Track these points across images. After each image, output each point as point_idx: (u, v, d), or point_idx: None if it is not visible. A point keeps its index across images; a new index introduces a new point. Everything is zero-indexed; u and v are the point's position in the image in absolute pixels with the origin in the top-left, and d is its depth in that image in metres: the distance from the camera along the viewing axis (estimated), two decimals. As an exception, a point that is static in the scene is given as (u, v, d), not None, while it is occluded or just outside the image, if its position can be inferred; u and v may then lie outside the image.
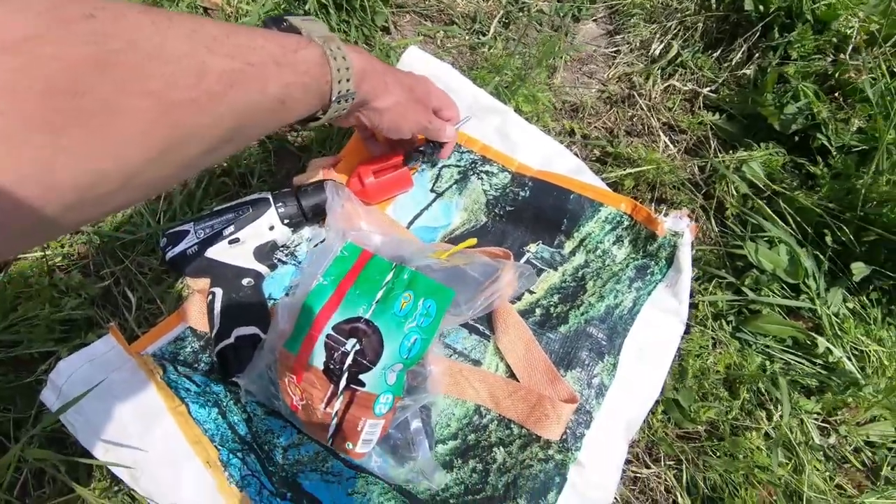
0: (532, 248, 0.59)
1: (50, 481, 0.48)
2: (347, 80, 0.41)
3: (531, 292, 0.56)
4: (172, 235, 0.55)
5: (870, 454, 0.56)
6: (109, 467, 0.45)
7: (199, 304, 0.55)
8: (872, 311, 0.60)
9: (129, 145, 0.26)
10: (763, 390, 0.57)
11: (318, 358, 0.46)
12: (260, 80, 0.32)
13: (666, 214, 0.56)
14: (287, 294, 0.58)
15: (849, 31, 0.64)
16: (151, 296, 0.58)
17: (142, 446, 0.44)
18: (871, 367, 0.58)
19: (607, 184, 0.66)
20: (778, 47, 0.74)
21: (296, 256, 0.61)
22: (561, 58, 0.81)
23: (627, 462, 0.55)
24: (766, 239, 0.63)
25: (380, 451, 0.49)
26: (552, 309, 0.55)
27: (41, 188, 0.23)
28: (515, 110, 0.69)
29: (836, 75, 0.66)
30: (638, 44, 0.84)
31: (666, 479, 0.55)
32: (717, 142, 0.74)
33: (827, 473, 0.55)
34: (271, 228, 0.57)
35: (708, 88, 0.78)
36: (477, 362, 0.54)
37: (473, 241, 0.58)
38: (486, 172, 0.63)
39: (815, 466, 0.54)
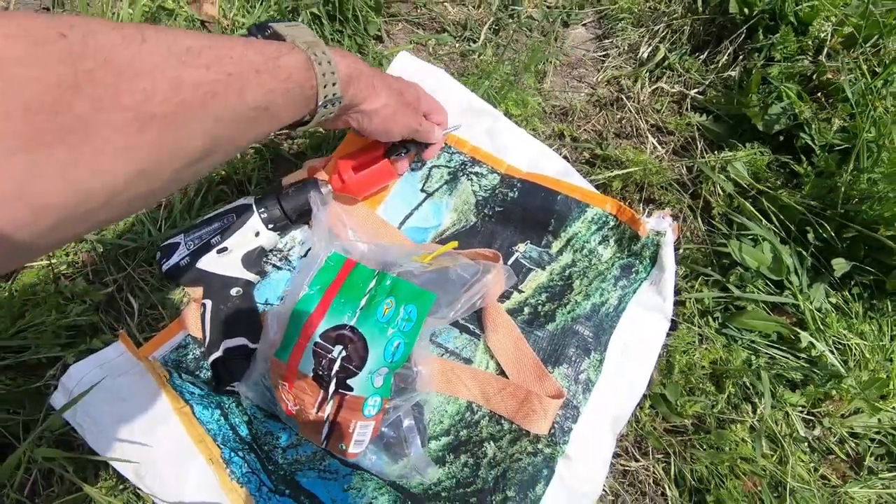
0: (521, 247, 0.61)
1: (58, 481, 0.50)
2: (333, 85, 0.41)
3: (520, 291, 0.58)
4: (166, 248, 0.57)
5: (853, 445, 0.58)
6: (115, 466, 0.47)
7: (196, 313, 0.57)
8: (854, 305, 0.62)
9: (111, 161, 0.26)
10: (748, 384, 0.59)
11: (308, 365, 0.48)
12: (240, 90, 0.32)
13: (649, 215, 0.57)
14: (277, 303, 0.60)
15: (823, 35, 0.65)
16: (153, 302, 0.60)
17: (148, 445, 0.46)
18: (853, 360, 0.59)
19: (596, 185, 0.68)
20: (762, 49, 0.75)
21: (289, 261, 0.63)
22: (550, 62, 0.83)
23: (616, 456, 0.56)
24: (750, 237, 0.64)
25: (374, 449, 0.51)
26: (540, 307, 0.57)
27: (25, 207, 0.23)
28: (505, 114, 0.71)
29: (817, 76, 0.68)
30: (626, 47, 0.85)
31: (654, 472, 0.56)
32: (704, 142, 0.76)
33: (811, 464, 0.56)
34: (257, 234, 0.58)
35: (695, 90, 0.80)
36: (468, 361, 0.56)
37: (455, 243, 0.59)
38: (476, 174, 0.65)
39: (799, 458, 0.56)
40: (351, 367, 0.47)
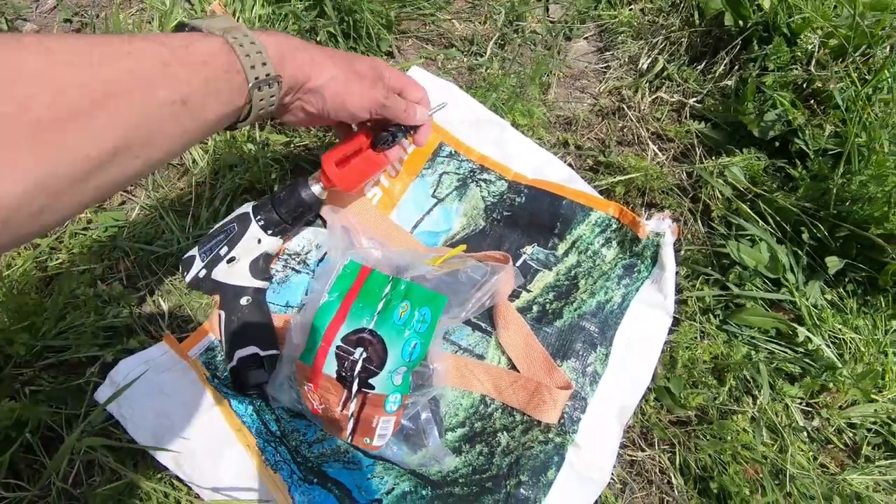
0: (528, 249, 0.64)
1: (99, 471, 0.54)
2: (264, 64, 0.39)
3: (528, 291, 0.62)
4: (185, 261, 0.60)
5: (851, 434, 0.60)
6: (155, 455, 0.51)
7: (217, 320, 0.60)
8: (848, 301, 0.64)
9: (2, 175, 0.25)
10: (749, 377, 0.61)
11: (331, 367, 0.51)
12: (144, 86, 0.30)
13: (650, 218, 0.61)
14: (298, 310, 0.63)
15: (810, 47, 0.69)
16: (182, 304, 0.64)
17: (187, 435, 0.49)
18: (848, 353, 0.62)
19: (599, 191, 0.72)
20: (757, 59, 0.79)
21: (307, 265, 0.66)
22: (554, 74, 0.86)
23: (624, 446, 0.59)
24: (748, 238, 0.67)
25: (395, 441, 0.54)
26: (548, 305, 0.60)
27: None
28: (512, 124, 0.74)
29: (809, 85, 0.71)
30: (626, 59, 0.89)
31: (660, 462, 0.59)
32: (703, 149, 0.79)
33: (811, 453, 0.59)
34: (259, 241, 0.59)
35: (693, 99, 0.83)
36: (481, 357, 0.59)
37: (464, 246, 0.62)
38: (485, 180, 0.69)
39: (798, 447, 0.58)
40: (372, 368, 0.51)
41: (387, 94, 0.52)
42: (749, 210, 0.69)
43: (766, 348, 0.63)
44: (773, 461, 0.57)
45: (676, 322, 0.64)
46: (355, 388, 0.50)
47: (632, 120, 0.82)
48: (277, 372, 0.56)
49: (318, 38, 0.79)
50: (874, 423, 0.60)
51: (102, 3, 0.92)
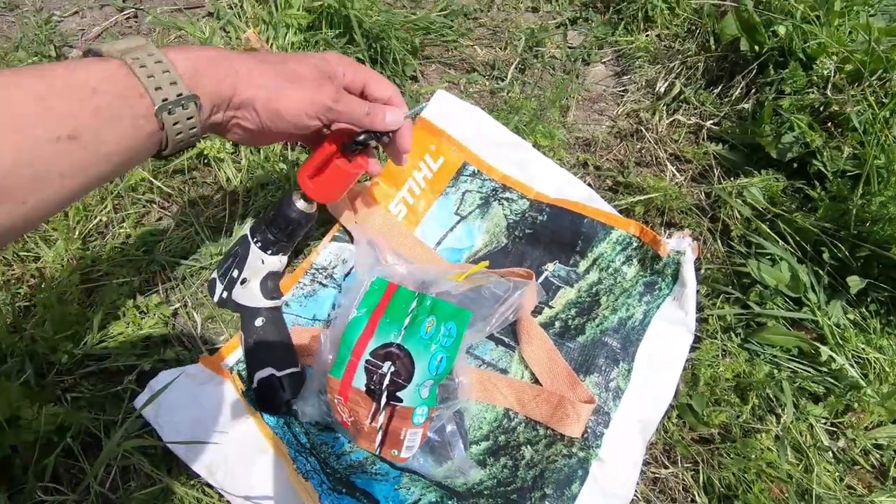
0: (550, 266, 0.66)
1: (134, 476, 0.56)
2: (173, 84, 0.35)
3: (550, 307, 0.63)
4: (209, 285, 0.63)
5: (878, 456, 0.60)
6: (188, 462, 0.53)
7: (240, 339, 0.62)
8: (872, 321, 0.64)
9: None
10: (772, 396, 0.62)
11: (360, 381, 0.52)
12: (14, 126, 0.28)
13: (670, 236, 0.62)
14: (328, 324, 0.65)
15: (826, 72, 0.70)
16: (214, 315, 0.67)
17: (221, 443, 0.51)
18: (872, 373, 0.62)
19: (619, 210, 0.73)
20: (773, 83, 0.80)
21: (334, 279, 0.68)
22: (573, 98, 0.89)
23: (647, 464, 0.59)
24: (768, 257, 0.68)
25: (421, 453, 0.55)
26: (570, 321, 0.61)
27: None
28: (534, 145, 0.77)
29: (826, 108, 0.73)
30: (644, 83, 0.92)
31: (683, 479, 0.59)
32: (721, 170, 0.81)
33: (837, 474, 0.58)
34: (263, 262, 0.60)
35: (711, 121, 0.85)
36: (504, 371, 0.60)
37: (486, 263, 0.64)
38: (507, 199, 0.71)
39: (824, 468, 0.58)
40: (400, 381, 0.52)
41: (337, 96, 0.45)
42: (768, 230, 0.70)
43: (789, 367, 0.63)
44: (798, 481, 0.57)
45: (698, 340, 0.64)
46: (384, 400, 0.52)
47: (650, 141, 0.84)
48: (307, 386, 0.58)
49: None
50: (901, 444, 0.60)
51: (143, 30, 0.97)
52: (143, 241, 0.70)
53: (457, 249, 0.70)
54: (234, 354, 0.62)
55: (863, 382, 0.59)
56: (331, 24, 0.84)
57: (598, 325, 0.60)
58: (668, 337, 0.60)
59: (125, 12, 0.98)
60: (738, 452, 0.58)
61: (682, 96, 0.87)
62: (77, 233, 0.69)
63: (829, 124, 0.75)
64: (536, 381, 0.59)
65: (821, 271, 0.65)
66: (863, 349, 0.63)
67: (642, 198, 0.75)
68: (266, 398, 0.58)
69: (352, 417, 0.53)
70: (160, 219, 0.74)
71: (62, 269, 0.66)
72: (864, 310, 0.65)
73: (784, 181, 0.74)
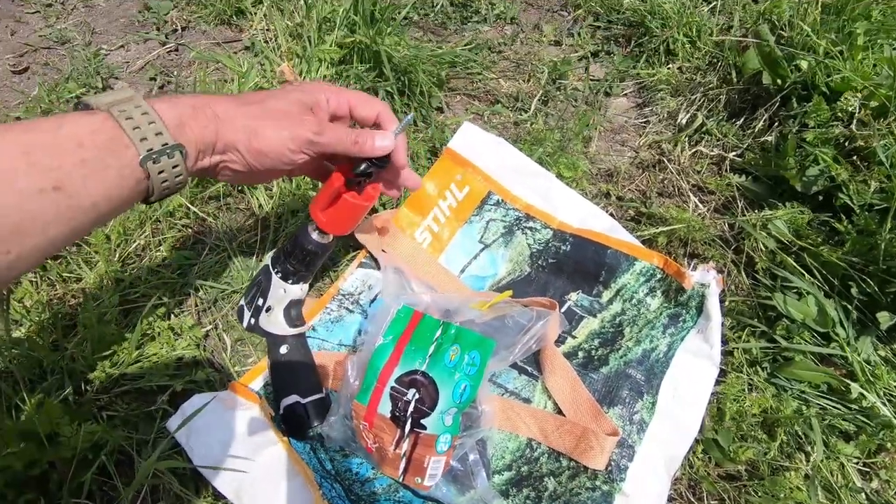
0: (573, 296, 0.66)
1: (164, 495, 0.57)
2: (158, 134, 0.36)
3: (573, 337, 0.63)
4: (238, 311, 0.65)
5: (914, 499, 0.58)
6: (216, 485, 0.54)
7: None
8: (904, 358, 0.63)
9: None
10: (800, 433, 0.60)
11: (385, 407, 0.53)
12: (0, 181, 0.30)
13: (694, 268, 0.62)
14: (354, 350, 0.66)
15: (850, 108, 0.71)
16: (244, 338, 0.69)
17: (249, 468, 0.52)
18: (906, 412, 0.60)
19: (642, 241, 0.74)
20: (796, 116, 0.81)
21: (360, 305, 0.70)
22: (595, 129, 0.91)
23: (671, 499, 0.58)
24: (794, 290, 0.67)
25: (444, 482, 0.55)
26: (593, 352, 0.62)
27: None
28: (557, 176, 0.78)
29: (850, 142, 0.73)
30: (665, 115, 0.93)
31: (709, 517, 0.58)
32: (745, 202, 0.81)
33: (870, 517, 0.57)
34: (284, 291, 0.61)
35: (733, 153, 0.86)
36: (527, 400, 0.60)
37: (510, 292, 0.65)
38: (530, 228, 0.72)
39: (857, 509, 0.57)
40: (424, 408, 0.53)
41: (319, 128, 0.45)
42: (794, 263, 0.69)
43: (818, 403, 0.62)
44: (830, 523, 0.55)
45: (723, 373, 0.64)
46: (408, 427, 0.53)
47: (672, 172, 0.85)
48: (333, 410, 0.59)
49: (377, 97, 0.86)
50: (938, 487, 0.58)
51: (183, 63, 1.02)
52: (179, 264, 0.73)
53: (480, 277, 0.71)
54: (261, 377, 0.64)
55: (895, 421, 0.58)
56: (361, 59, 0.88)
57: (621, 357, 0.60)
58: (693, 370, 0.59)
59: (166, 46, 1.03)
60: (766, 491, 0.57)
61: (704, 128, 0.88)
62: (117, 256, 0.72)
63: (855, 157, 0.75)
64: (559, 412, 0.59)
65: (849, 306, 0.65)
66: (895, 387, 0.61)
67: (665, 229, 0.76)
68: (292, 424, 0.59)
69: (376, 444, 0.54)
70: (195, 243, 0.77)
71: (102, 290, 0.69)
72: (895, 346, 0.64)
73: (809, 214, 0.74)
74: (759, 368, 0.66)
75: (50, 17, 1.10)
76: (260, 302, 0.63)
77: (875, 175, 0.70)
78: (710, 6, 1.04)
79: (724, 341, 0.65)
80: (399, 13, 1.01)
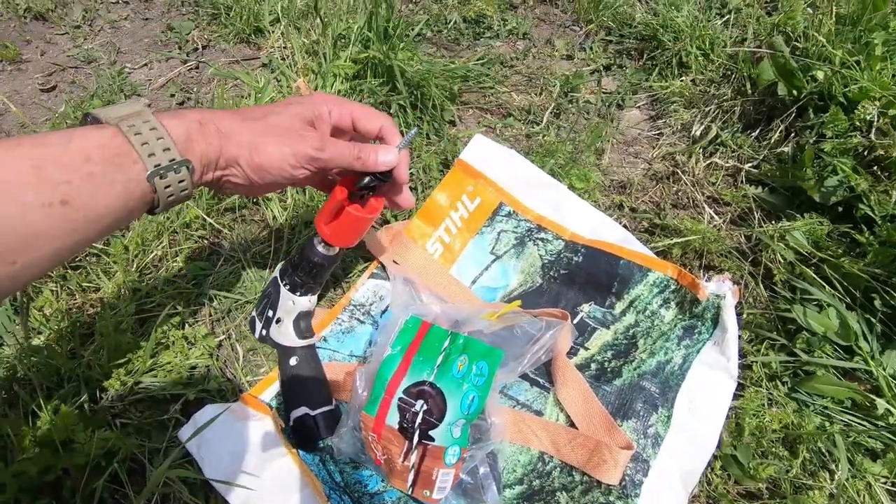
0: (585, 307, 0.65)
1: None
2: (166, 150, 0.37)
3: (586, 349, 0.62)
4: (250, 323, 0.66)
5: (947, 522, 0.55)
6: (225, 495, 0.54)
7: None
8: (932, 373, 0.61)
9: None
10: (824, 451, 0.58)
11: (393, 418, 0.53)
12: (8, 193, 0.30)
13: (709, 280, 0.61)
14: (364, 361, 0.66)
15: (868, 117, 0.69)
16: (256, 348, 0.69)
17: (258, 479, 0.52)
18: (936, 430, 0.58)
19: (656, 252, 0.73)
20: (813, 127, 0.80)
21: (371, 315, 0.70)
22: (608, 141, 0.91)
23: (689, 517, 0.57)
24: (814, 302, 0.66)
25: (454, 495, 0.55)
26: (606, 364, 0.61)
27: None
28: (569, 187, 0.78)
29: (870, 152, 0.72)
30: (679, 126, 0.92)
31: (729, 537, 0.56)
32: (762, 213, 0.79)
33: (901, 540, 0.54)
34: (293, 303, 0.61)
35: (749, 164, 0.85)
36: (539, 413, 0.59)
37: (518, 302, 0.64)
38: (542, 239, 0.72)
39: (886, 532, 0.54)
40: (432, 420, 0.52)
41: (321, 144, 0.45)
42: (814, 274, 0.68)
43: (842, 420, 0.60)
44: (857, 545, 0.53)
45: (742, 387, 0.62)
46: (416, 439, 0.52)
47: (686, 184, 0.84)
48: (343, 422, 0.59)
49: (390, 110, 0.87)
50: (973, 510, 0.55)
51: (203, 80, 1.05)
52: (194, 274, 0.74)
53: (492, 288, 0.71)
54: (273, 388, 0.64)
55: (925, 440, 0.56)
56: (375, 74, 0.89)
57: (635, 369, 0.59)
58: (710, 383, 0.58)
59: (188, 64, 1.07)
60: (788, 510, 0.55)
61: (718, 139, 0.88)
62: (135, 266, 0.74)
63: (875, 167, 0.73)
64: (572, 424, 0.58)
65: (873, 319, 0.63)
66: (923, 403, 0.59)
67: (680, 240, 0.75)
68: (301, 436, 0.59)
69: (385, 455, 0.54)
70: (211, 254, 0.78)
71: (119, 299, 0.70)
72: (922, 361, 0.62)
73: (829, 225, 0.72)
74: (778, 383, 0.64)
75: (78, 38, 1.14)
76: (270, 313, 0.64)
77: (896, 185, 0.69)
78: (724, 19, 1.04)
79: (743, 355, 0.63)
80: (412, 30, 1.02)
